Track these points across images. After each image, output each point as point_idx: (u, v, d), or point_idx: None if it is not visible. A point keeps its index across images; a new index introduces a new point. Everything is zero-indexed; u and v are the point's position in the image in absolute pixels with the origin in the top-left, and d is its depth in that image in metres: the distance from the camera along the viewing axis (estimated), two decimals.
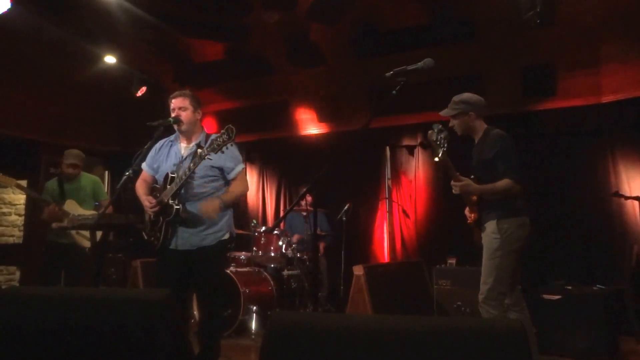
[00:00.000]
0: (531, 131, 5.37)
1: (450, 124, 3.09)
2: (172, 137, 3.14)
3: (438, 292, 4.72)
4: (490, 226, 2.90)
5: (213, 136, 3.07)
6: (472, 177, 2.95)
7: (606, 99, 5.00)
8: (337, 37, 5.25)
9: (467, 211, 3.16)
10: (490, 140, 2.97)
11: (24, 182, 4.78)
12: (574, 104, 5.12)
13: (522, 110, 5.40)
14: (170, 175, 2.94)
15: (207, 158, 2.71)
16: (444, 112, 3.10)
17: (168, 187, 2.90)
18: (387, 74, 2.54)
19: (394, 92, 2.59)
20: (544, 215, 5.19)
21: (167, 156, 3.08)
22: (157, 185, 3.07)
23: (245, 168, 3.07)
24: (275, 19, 4.89)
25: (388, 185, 6.24)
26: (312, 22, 4.91)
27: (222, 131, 2.63)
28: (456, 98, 3.06)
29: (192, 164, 2.77)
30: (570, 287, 3.97)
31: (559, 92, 5.14)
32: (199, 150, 2.71)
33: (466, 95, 3.06)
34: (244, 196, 3.07)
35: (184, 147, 3.06)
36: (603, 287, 3.98)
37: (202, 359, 2.93)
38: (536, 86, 5.18)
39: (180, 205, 2.87)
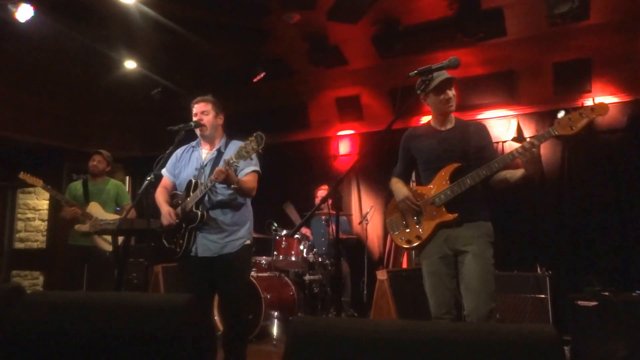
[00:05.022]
0: None
1: None
2: (193, 143, 3.13)
3: None
4: (483, 227, 2.59)
5: (236, 142, 3.04)
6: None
7: None
8: (358, 36, 5.17)
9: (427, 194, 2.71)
10: None
11: None
12: (609, 101, 4.94)
13: (554, 108, 5.26)
14: (193, 181, 2.91)
15: (235, 165, 2.66)
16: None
17: (191, 194, 2.87)
18: (411, 74, 2.48)
19: (418, 91, 2.52)
20: (577, 219, 5.02)
21: (188, 162, 3.07)
22: (178, 192, 3.04)
23: (258, 173, 2.99)
24: (294, 20, 4.84)
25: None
26: (332, 22, 4.84)
27: (251, 138, 2.57)
28: None
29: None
30: (607, 293, 3.80)
31: (593, 88, 4.97)
32: (226, 159, 2.65)
33: None
34: (249, 196, 2.99)
35: (205, 153, 3.05)
36: None
37: None
38: (569, 83, 5.02)
39: (204, 211, 2.84)
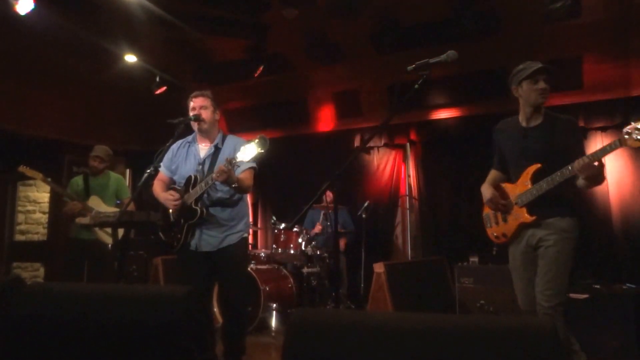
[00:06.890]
0: None
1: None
2: (189, 138, 3.11)
3: (460, 290, 4.64)
4: (561, 223, 2.60)
5: (233, 137, 3.06)
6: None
7: (635, 92, 4.85)
8: (357, 32, 5.19)
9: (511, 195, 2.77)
10: None
11: None
12: (601, 98, 4.98)
13: (547, 105, 5.29)
14: (193, 177, 2.93)
15: (237, 165, 2.70)
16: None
17: (191, 190, 2.89)
18: (409, 68, 2.48)
19: (416, 86, 2.53)
20: None
21: (185, 157, 3.06)
22: (178, 187, 3.05)
23: (254, 169, 3.03)
24: (294, 15, 4.85)
25: (409, 182, 6.18)
26: (331, 18, 4.86)
27: (256, 140, 2.61)
28: None
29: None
30: (598, 286, 3.86)
31: (585, 85, 5.00)
32: (229, 158, 2.68)
33: None
34: (246, 192, 3.04)
35: (202, 148, 3.05)
36: (633, 285, 3.86)
37: (227, 357, 2.93)
38: (561, 80, 5.04)
39: (204, 208, 2.88)
